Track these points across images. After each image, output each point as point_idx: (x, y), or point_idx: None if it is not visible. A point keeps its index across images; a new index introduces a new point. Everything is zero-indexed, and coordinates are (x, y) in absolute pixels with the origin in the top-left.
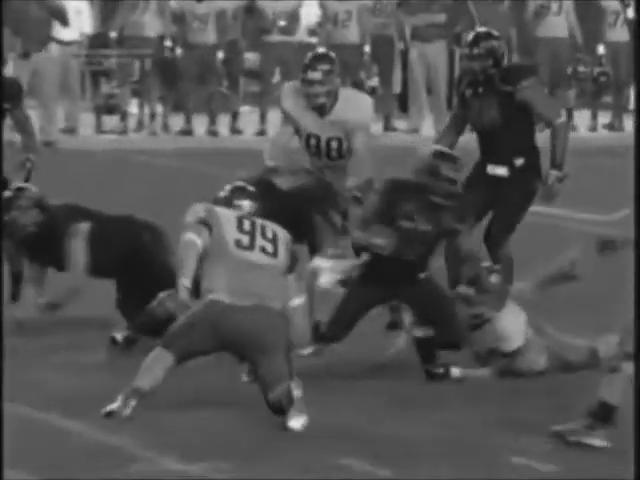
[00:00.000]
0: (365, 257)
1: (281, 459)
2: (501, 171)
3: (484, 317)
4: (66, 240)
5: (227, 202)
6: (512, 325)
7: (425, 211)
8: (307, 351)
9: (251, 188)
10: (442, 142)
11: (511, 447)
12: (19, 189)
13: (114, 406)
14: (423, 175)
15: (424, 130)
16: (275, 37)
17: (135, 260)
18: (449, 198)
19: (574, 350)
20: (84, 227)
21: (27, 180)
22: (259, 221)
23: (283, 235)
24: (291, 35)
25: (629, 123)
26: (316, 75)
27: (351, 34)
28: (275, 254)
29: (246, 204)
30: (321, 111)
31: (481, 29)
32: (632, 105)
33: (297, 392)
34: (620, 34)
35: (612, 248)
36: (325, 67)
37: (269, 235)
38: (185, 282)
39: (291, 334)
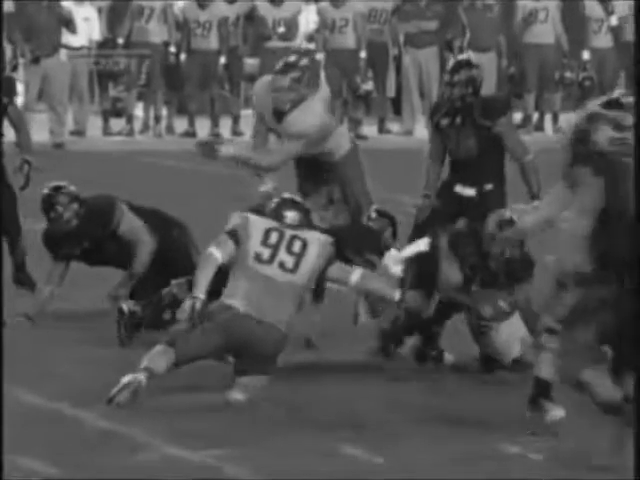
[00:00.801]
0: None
1: (280, 446)
2: (469, 192)
3: (490, 328)
4: (116, 222)
5: (275, 214)
6: (510, 337)
7: (483, 271)
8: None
9: (300, 200)
10: (431, 180)
11: (506, 437)
12: (56, 187)
13: (126, 379)
14: (489, 244)
15: (417, 132)
16: (274, 43)
17: (163, 254)
18: (508, 268)
19: None
20: (124, 206)
21: (26, 184)
22: (290, 233)
23: (319, 242)
24: (290, 41)
25: None
26: (285, 82)
27: (347, 40)
28: (294, 269)
29: (290, 215)
30: (279, 117)
31: (462, 57)
32: None
33: (257, 384)
34: (604, 40)
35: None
36: (295, 75)
37: (295, 249)
38: (197, 293)
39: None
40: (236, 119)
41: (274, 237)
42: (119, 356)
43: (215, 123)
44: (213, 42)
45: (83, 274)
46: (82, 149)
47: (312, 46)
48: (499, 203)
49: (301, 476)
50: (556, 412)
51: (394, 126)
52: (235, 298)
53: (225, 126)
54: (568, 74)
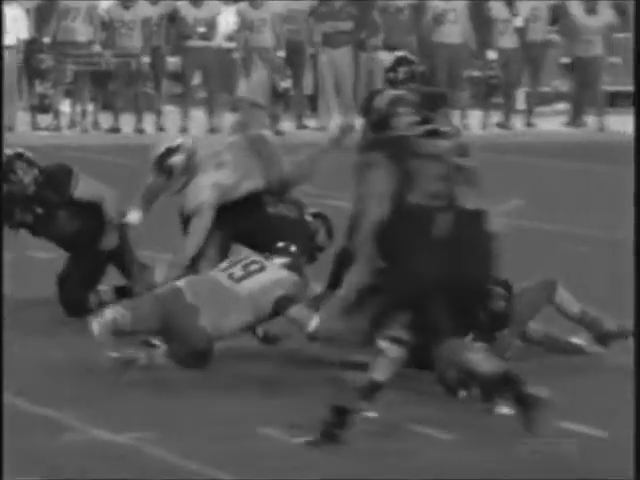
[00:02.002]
0: None
1: (202, 429)
2: None
3: None
4: (72, 189)
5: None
6: None
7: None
8: None
9: (293, 248)
10: None
11: (412, 416)
12: (17, 154)
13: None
14: None
15: (332, 128)
16: (195, 42)
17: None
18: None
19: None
20: (81, 175)
21: None
22: (253, 257)
23: (277, 274)
24: (210, 40)
25: (516, 121)
26: (161, 181)
27: (266, 40)
28: (238, 281)
29: (277, 261)
30: None
31: (400, 53)
32: (520, 105)
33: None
34: (510, 41)
35: None
36: (178, 159)
37: (250, 269)
38: None
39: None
40: (159, 115)
41: (239, 257)
42: (47, 343)
43: (139, 119)
44: (137, 41)
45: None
46: (11, 143)
47: (232, 45)
48: None
49: (220, 458)
50: (372, 414)
51: (311, 122)
52: (185, 285)
53: (148, 122)
54: (476, 73)
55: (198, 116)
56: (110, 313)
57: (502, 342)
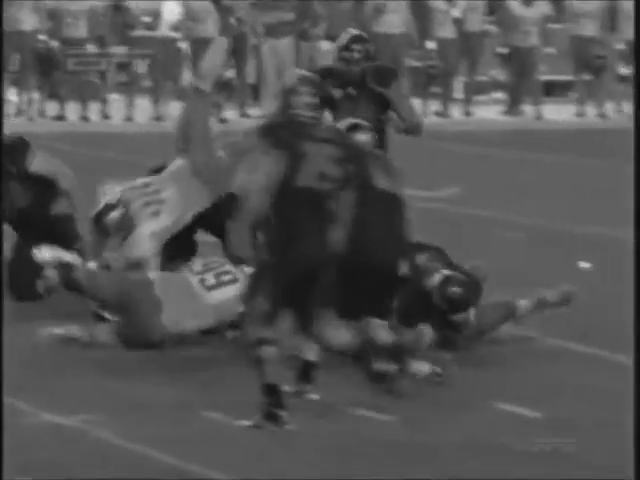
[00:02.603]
0: None
1: (149, 412)
2: None
3: None
4: (28, 162)
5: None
6: None
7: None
8: None
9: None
10: None
11: (348, 398)
12: None
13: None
14: None
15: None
16: (141, 32)
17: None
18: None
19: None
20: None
21: None
22: (227, 269)
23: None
24: (154, 30)
25: (454, 110)
26: (112, 219)
27: (209, 30)
28: (209, 290)
29: (248, 270)
30: None
31: (353, 31)
32: (458, 94)
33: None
34: (448, 31)
35: None
36: (114, 215)
37: (222, 278)
38: None
39: None
40: (104, 103)
41: (213, 265)
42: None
43: (85, 107)
44: (83, 31)
45: None
46: None
47: (177, 35)
48: None
49: (166, 441)
50: (314, 397)
51: (254, 110)
52: (155, 274)
53: (94, 110)
54: (415, 62)
55: (143, 104)
56: (70, 257)
57: (459, 327)
